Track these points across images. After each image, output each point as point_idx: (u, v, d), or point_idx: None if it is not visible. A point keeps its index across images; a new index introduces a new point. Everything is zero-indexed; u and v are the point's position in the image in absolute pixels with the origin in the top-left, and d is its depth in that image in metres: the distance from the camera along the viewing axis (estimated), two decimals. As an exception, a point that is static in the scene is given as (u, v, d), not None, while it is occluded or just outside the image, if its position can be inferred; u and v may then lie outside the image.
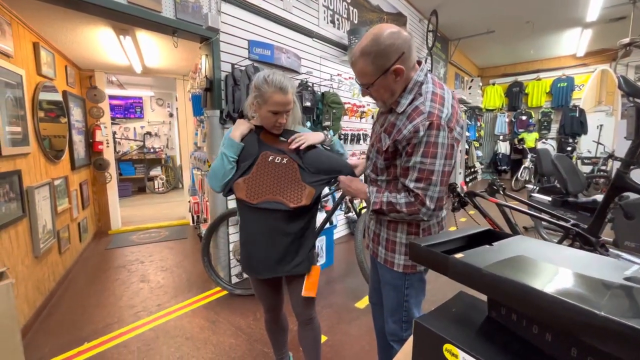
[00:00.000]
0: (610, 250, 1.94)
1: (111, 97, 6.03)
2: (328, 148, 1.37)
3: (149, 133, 7.31)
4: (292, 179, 1.21)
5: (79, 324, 2.12)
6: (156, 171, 7.19)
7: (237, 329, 2.03)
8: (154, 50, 3.30)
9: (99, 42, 2.99)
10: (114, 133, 6.77)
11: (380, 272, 1.20)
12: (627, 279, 0.48)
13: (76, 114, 3.50)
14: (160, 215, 5.04)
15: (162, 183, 7.17)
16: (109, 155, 4.09)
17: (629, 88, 1.16)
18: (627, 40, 4.86)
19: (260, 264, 1.24)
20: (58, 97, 2.96)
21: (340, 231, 3.84)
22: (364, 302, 2.31)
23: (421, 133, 0.90)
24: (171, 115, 7.41)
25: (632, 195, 2.26)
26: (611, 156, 6.00)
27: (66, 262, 2.87)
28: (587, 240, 1.63)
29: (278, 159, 1.23)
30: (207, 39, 2.42)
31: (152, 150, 7.23)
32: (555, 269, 0.54)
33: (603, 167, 5.84)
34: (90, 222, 3.79)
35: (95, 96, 3.89)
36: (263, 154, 1.23)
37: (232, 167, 1.22)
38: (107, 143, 4.07)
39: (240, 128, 1.25)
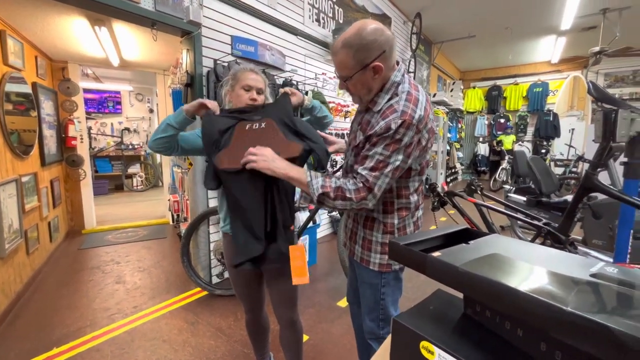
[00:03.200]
0: (579, 248, 2.03)
1: (85, 91, 5.77)
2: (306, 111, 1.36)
3: (127, 129, 7.05)
4: (275, 137, 1.14)
5: (48, 327, 2.01)
6: (135, 168, 6.96)
7: (217, 330, 1.99)
8: (132, 42, 3.19)
9: (73, 32, 2.85)
10: (89, 128, 6.50)
11: (357, 271, 1.20)
12: (592, 275, 0.50)
13: (47, 107, 3.32)
14: (138, 214, 4.87)
15: (141, 181, 6.94)
16: (83, 151, 3.91)
17: (598, 94, 1.23)
18: (597, 48, 5.12)
19: (258, 235, 1.13)
20: (27, 88, 2.80)
21: (323, 230, 3.85)
22: (346, 301, 2.32)
23: (391, 131, 0.91)
24: (151, 111, 7.19)
25: (600, 196, 2.38)
26: (580, 158, 6.33)
27: (34, 263, 2.73)
28: (557, 239, 1.70)
29: (256, 125, 1.16)
30: (188, 33, 2.36)
31: (130, 146, 6.98)
32: (527, 267, 0.55)
33: (574, 169, 6.14)
34: (62, 221, 3.62)
35: (69, 89, 3.71)
36: (239, 124, 1.17)
37: (167, 133, 1.18)
38: (81, 138, 3.89)
39: (194, 102, 1.20)
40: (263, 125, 1.15)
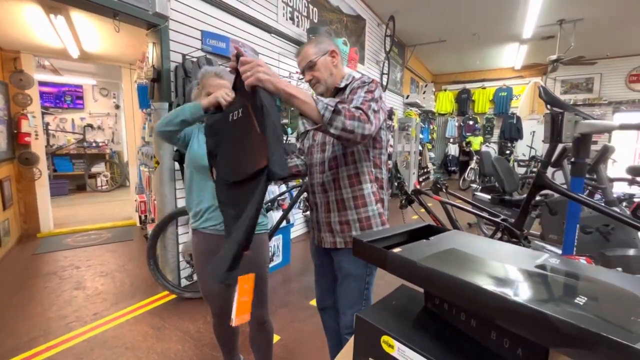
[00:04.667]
0: (535, 242, 2.17)
1: (41, 84, 5.36)
2: None
3: (90, 125, 6.64)
4: (252, 131, 0.97)
5: (-5, 340, 1.85)
6: (99, 167, 6.57)
7: (184, 334, 1.92)
8: (93, 33, 3.00)
9: (25, 19, 2.64)
10: (47, 124, 6.05)
11: (342, 265, 1.19)
12: (537, 266, 0.53)
13: (-4, 100, 3.06)
14: (102, 215, 4.60)
15: (107, 180, 6.57)
16: (38, 148, 3.63)
17: (547, 97, 1.33)
18: (554, 57, 5.50)
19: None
20: (-29, 79, 2.56)
21: (297, 230, 3.83)
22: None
23: (365, 85, 1.08)
24: (117, 107, 6.82)
25: (557, 194, 2.55)
26: (534, 158, 6.80)
27: (-19, 271, 2.50)
28: (513, 233, 1.82)
29: (236, 114, 1.02)
30: (155, 25, 2.25)
31: (94, 144, 6.58)
32: (479, 260, 0.57)
33: (535, 169, 6.55)
34: (13, 224, 3.34)
35: (21, 81, 3.42)
36: (225, 117, 1.05)
37: (180, 127, 1.18)
38: (36, 134, 3.61)
39: (212, 97, 1.10)
40: (240, 112, 0.98)
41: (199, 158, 1.23)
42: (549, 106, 1.30)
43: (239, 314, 0.92)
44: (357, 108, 0.98)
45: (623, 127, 1.25)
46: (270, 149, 0.83)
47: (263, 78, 0.83)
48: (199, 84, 1.30)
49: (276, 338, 1.88)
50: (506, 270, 0.52)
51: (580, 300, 0.40)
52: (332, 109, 0.90)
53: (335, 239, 1.20)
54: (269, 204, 2.63)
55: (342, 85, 1.18)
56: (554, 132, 1.25)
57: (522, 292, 0.43)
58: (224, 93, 1.08)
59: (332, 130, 0.92)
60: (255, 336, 1.37)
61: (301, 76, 3.60)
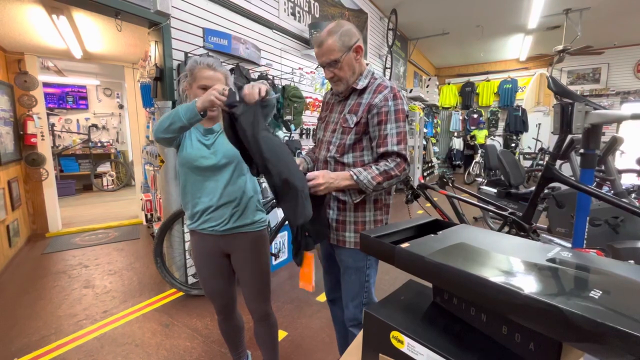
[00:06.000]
0: (543, 235, 2.15)
1: (45, 85, 5.38)
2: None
3: (95, 125, 6.68)
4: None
5: (7, 338, 1.88)
6: (105, 167, 6.62)
7: (193, 331, 1.93)
8: (96, 33, 3.00)
9: (28, 21, 2.65)
10: (52, 125, 6.10)
11: (342, 259, 1.22)
12: (549, 260, 0.52)
13: (2, 102, 3.08)
14: (109, 214, 4.65)
15: (112, 180, 6.62)
16: (44, 149, 3.66)
17: (557, 88, 1.30)
18: (560, 47, 5.40)
19: None
20: (-23, 81, 2.58)
21: (303, 226, 3.83)
22: (324, 296, 2.33)
23: (390, 102, 1.08)
24: (121, 106, 6.85)
25: (565, 187, 2.52)
26: (542, 150, 6.71)
27: (-8, 270, 2.54)
28: (521, 227, 1.80)
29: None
30: (157, 23, 2.25)
31: (99, 144, 6.63)
32: (489, 254, 0.56)
33: (541, 162, 6.47)
34: (22, 225, 3.39)
35: (26, 82, 3.45)
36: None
37: (179, 133, 1.09)
38: (42, 135, 3.64)
39: (206, 99, 1.01)
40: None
41: (192, 159, 1.18)
42: (558, 97, 1.28)
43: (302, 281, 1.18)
44: (398, 154, 1.06)
45: (635, 116, 1.23)
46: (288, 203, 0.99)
47: (325, 192, 1.06)
48: (188, 74, 1.20)
49: (283, 334, 1.89)
50: (517, 264, 0.51)
51: (595, 294, 0.39)
52: (372, 187, 1.06)
53: (331, 234, 1.22)
54: (274, 200, 2.63)
55: (360, 87, 1.13)
56: (564, 123, 1.23)
57: (535, 287, 0.42)
58: (217, 93, 0.99)
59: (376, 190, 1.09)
60: (260, 331, 1.37)
61: (302, 71, 3.58)
